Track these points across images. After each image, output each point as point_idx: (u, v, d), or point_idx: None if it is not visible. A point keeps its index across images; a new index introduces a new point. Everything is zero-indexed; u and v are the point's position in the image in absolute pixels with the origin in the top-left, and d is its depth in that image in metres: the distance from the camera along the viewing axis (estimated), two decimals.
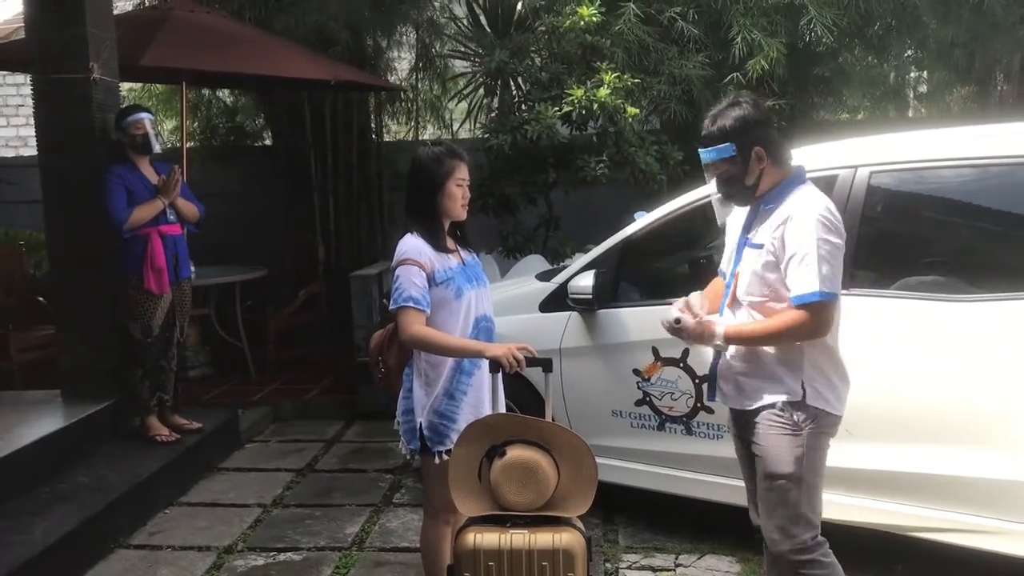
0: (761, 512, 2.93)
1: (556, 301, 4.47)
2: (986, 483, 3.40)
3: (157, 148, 5.18)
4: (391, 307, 3.08)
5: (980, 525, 3.42)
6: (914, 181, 3.76)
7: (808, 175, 3.92)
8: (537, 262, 6.55)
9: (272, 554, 4.22)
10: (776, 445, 2.83)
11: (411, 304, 3.03)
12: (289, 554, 4.22)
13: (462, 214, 3.21)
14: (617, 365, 4.25)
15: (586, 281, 4.22)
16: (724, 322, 2.89)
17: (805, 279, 2.69)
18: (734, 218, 3.02)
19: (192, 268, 6.81)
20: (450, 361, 3.13)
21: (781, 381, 2.82)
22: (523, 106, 6.96)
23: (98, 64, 5.13)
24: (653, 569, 3.94)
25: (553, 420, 3.07)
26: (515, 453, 2.85)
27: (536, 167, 6.79)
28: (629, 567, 3.98)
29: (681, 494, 4.15)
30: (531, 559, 2.75)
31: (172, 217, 5.15)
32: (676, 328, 2.87)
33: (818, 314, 2.70)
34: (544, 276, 4.92)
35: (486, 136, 6.58)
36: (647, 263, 4.58)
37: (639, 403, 4.19)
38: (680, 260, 4.94)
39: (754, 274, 2.83)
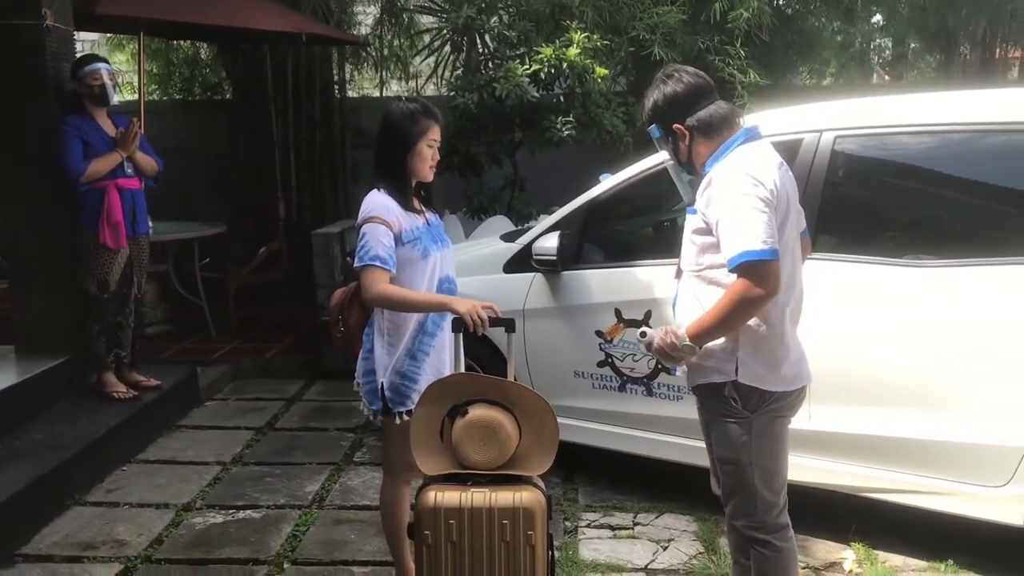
0: (720, 486, 2.90)
1: (520, 262, 4.45)
2: (933, 445, 3.46)
3: (115, 99, 5.05)
4: (355, 264, 3.04)
5: (928, 486, 3.50)
6: (878, 146, 3.78)
7: (772, 139, 3.95)
8: (502, 223, 6.52)
9: (231, 511, 4.20)
10: (723, 430, 2.76)
11: (377, 263, 2.97)
12: (248, 512, 4.20)
13: (429, 176, 3.16)
14: (580, 326, 4.25)
15: (551, 242, 4.20)
16: (682, 322, 2.77)
17: (732, 241, 2.54)
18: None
19: (150, 223, 6.75)
20: (412, 322, 3.11)
21: (714, 357, 2.71)
22: (490, 64, 6.88)
23: (51, 11, 4.98)
24: (612, 528, 3.98)
25: (515, 380, 3.06)
26: (477, 412, 2.84)
27: (502, 127, 6.72)
28: (588, 525, 4.01)
29: (641, 454, 4.18)
30: (491, 517, 2.75)
31: (130, 171, 5.04)
32: (645, 343, 2.79)
33: (758, 273, 2.49)
34: (509, 237, 4.90)
35: (452, 94, 6.49)
36: (612, 225, 4.58)
37: (601, 364, 4.20)
38: (645, 223, 4.94)
39: (690, 241, 2.76)
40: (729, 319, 2.59)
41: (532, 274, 4.39)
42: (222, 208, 7.63)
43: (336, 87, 8.56)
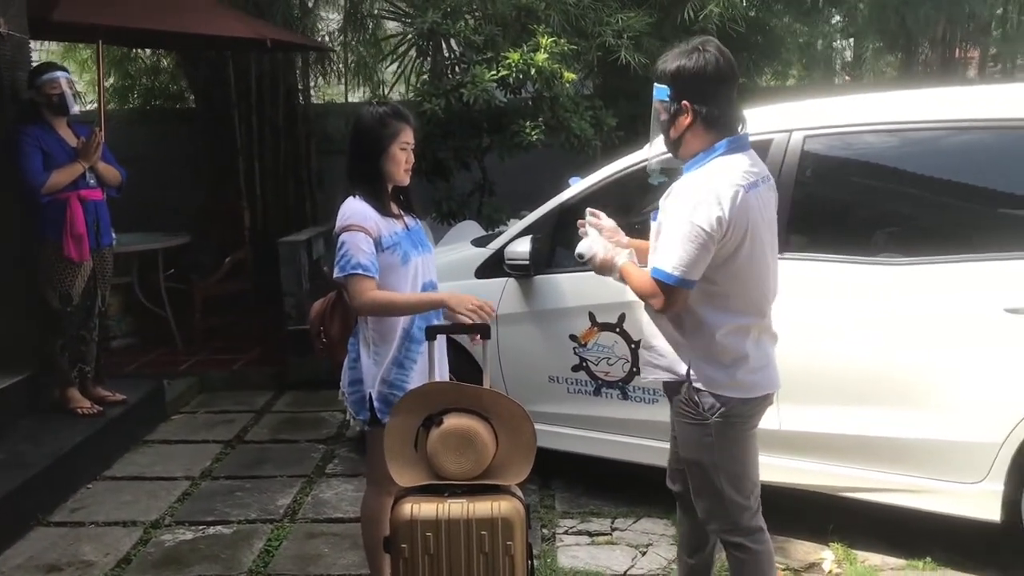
0: (691, 488, 2.84)
1: (492, 267, 4.41)
2: (909, 443, 3.46)
3: (75, 109, 4.94)
4: (337, 275, 2.96)
5: (905, 484, 3.50)
6: (848, 146, 3.78)
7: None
8: (471, 228, 6.46)
9: (201, 528, 4.11)
10: (686, 432, 2.74)
11: (360, 271, 2.91)
12: (219, 527, 4.11)
13: (404, 179, 3.12)
14: (554, 331, 4.21)
15: (522, 247, 4.16)
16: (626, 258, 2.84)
17: (663, 255, 2.57)
18: None
19: (114, 235, 6.63)
20: (398, 330, 3.05)
21: (667, 358, 2.74)
22: (456, 68, 6.83)
23: (5, 19, 4.87)
24: (590, 534, 3.94)
25: (491, 388, 3.02)
26: (452, 421, 2.79)
27: (469, 131, 6.66)
28: (566, 532, 3.97)
29: (617, 458, 4.15)
30: (469, 528, 2.70)
31: (92, 181, 4.94)
32: (587, 257, 2.87)
33: (664, 293, 2.59)
34: (480, 242, 4.86)
35: (419, 99, 6.43)
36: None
37: (576, 368, 4.17)
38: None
39: (653, 243, 2.73)
40: (636, 293, 2.73)
41: (504, 279, 4.35)
42: (186, 218, 7.51)
43: (300, 94, 8.47)
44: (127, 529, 4.11)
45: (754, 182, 2.63)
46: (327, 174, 8.21)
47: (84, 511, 4.31)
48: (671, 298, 2.59)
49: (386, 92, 8.61)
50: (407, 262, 3.06)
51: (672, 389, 2.79)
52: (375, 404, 3.05)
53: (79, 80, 8.71)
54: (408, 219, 3.17)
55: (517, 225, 4.48)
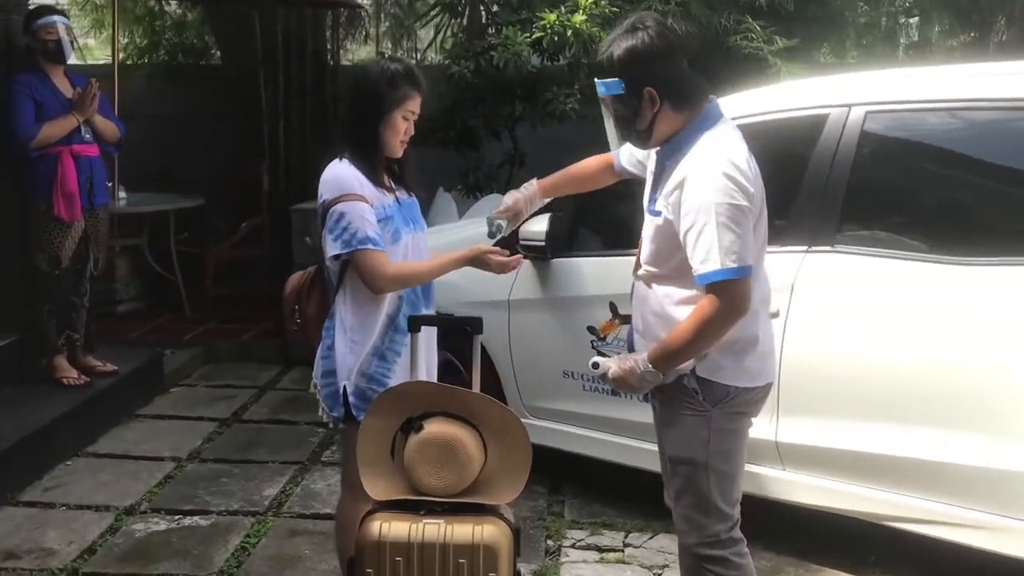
0: (670, 497, 2.56)
1: (507, 247, 3.97)
2: (971, 471, 2.98)
3: (72, 56, 4.61)
4: (341, 251, 2.60)
5: (968, 519, 3.02)
6: (917, 124, 3.30)
7: (793, 114, 3.51)
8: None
9: (177, 517, 3.78)
10: (679, 426, 2.44)
11: (370, 246, 2.57)
12: (196, 518, 3.78)
13: (398, 151, 2.73)
14: (571, 321, 3.79)
15: (539, 226, 3.74)
16: (639, 349, 2.47)
17: (705, 255, 2.23)
18: (651, 161, 2.53)
19: (124, 194, 6.34)
20: (382, 316, 2.68)
21: None
22: (490, 30, 6.40)
23: None
24: (599, 549, 3.54)
25: (481, 391, 2.62)
26: (434, 428, 2.40)
27: (501, 98, 6.25)
28: (573, 545, 3.58)
29: (635, 466, 3.72)
30: (446, 555, 2.31)
31: (87, 136, 4.61)
32: (599, 375, 2.47)
33: (728, 294, 2.24)
34: None
35: (448, 62, 6.03)
36: (610, 208, 4.08)
37: (594, 365, 3.74)
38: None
39: (652, 242, 2.41)
40: (696, 341, 2.30)
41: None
42: (205, 179, 7.19)
43: (329, 54, 8.08)
44: (98, 514, 3.79)
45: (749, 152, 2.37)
46: None
47: (57, 491, 4.01)
48: (738, 295, 2.25)
49: (420, 55, 8.19)
50: (397, 240, 2.69)
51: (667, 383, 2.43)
52: (350, 399, 2.68)
53: (95, 34, 8.43)
54: (400, 192, 2.78)
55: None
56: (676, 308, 2.37)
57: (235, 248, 6.66)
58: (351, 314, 2.69)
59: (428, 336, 2.78)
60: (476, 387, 2.55)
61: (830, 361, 3.21)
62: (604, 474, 3.92)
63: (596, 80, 2.40)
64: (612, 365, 2.41)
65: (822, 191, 3.30)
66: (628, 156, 2.72)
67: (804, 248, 3.28)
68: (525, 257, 3.81)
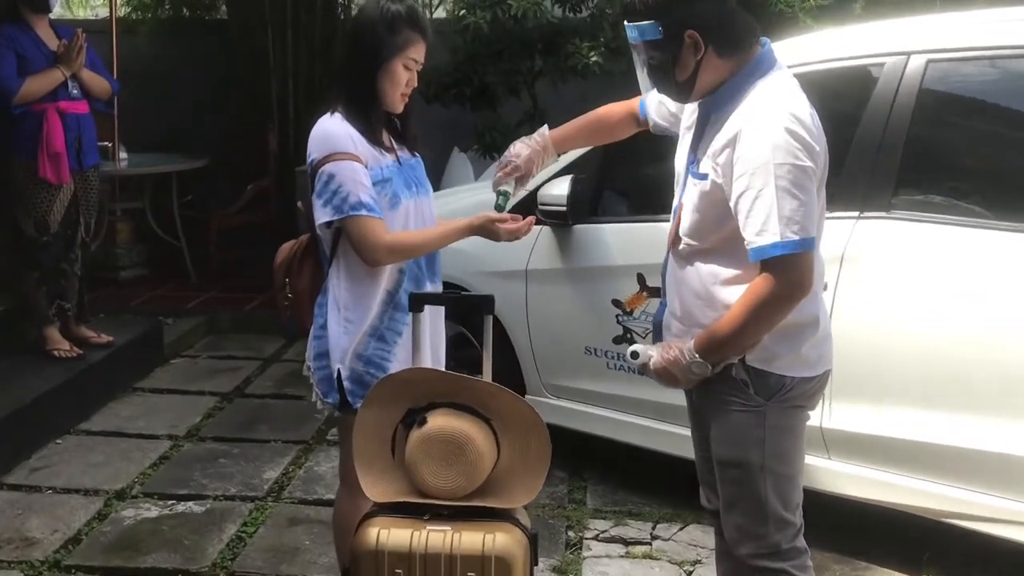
0: (712, 501, 2.26)
1: (524, 212, 3.64)
2: None
3: (56, 6, 4.29)
4: (333, 217, 2.30)
5: None
6: (985, 75, 2.94)
7: (842, 64, 3.15)
8: None
9: (170, 503, 3.53)
10: (728, 423, 2.11)
11: (364, 212, 2.27)
12: (190, 504, 3.52)
13: (398, 105, 2.41)
14: (594, 293, 3.48)
15: (559, 189, 3.41)
16: (675, 333, 2.16)
17: (762, 225, 1.91)
18: (688, 113, 2.20)
19: (125, 155, 6.05)
20: (379, 292, 2.39)
21: None
22: None
23: None
24: (625, 542, 3.26)
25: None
26: (439, 422, 2.10)
27: (520, 52, 5.88)
28: (596, 537, 3.29)
29: (663, 451, 3.43)
30: (452, 566, 2.03)
31: (75, 92, 4.31)
32: (638, 365, 2.13)
33: (788, 271, 1.91)
34: None
35: (462, 12, 5.66)
36: (638, 169, 3.74)
37: (618, 340, 3.43)
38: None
39: (695, 211, 2.07)
40: (750, 328, 1.98)
41: (539, 226, 3.60)
42: (210, 140, 6.88)
43: (340, 7, 7.70)
44: (87, 499, 3.54)
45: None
46: None
47: (45, 472, 3.76)
48: (800, 273, 1.93)
49: (433, 7, 7.81)
50: (396, 205, 2.38)
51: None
52: (345, 385, 2.39)
53: None
54: (401, 152, 2.46)
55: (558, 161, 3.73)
56: (724, 289, 2.04)
57: (240, 212, 6.37)
58: (345, 290, 2.39)
59: (434, 314, 2.48)
60: (488, 373, 2.25)
61: (884, 340, 2.89)
62: (629, 457, 3.62)
63: (627, 23, 2.05)
64: (653, 354, 2.09)
65: (876, 150, 2.96)
66: (656, 106, 2.38)
67: (855, 214, 2.94)
68: (545, 223, 3.53)
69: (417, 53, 2.38)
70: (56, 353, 4.36)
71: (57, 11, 5.40)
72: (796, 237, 1.90)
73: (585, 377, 3.56)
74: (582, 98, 5.91)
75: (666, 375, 2.08)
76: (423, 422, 2.11)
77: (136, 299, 5.89)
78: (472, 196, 4.20)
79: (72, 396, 4.23)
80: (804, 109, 1.97)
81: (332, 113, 2.38)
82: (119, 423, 4.27)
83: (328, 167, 2.30)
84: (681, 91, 2.08)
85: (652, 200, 3.64)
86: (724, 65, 2.02)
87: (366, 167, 2.33)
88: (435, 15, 7.86)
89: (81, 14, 8.14)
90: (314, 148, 2.35)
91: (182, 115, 6.97)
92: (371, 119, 2.38)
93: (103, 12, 8.23)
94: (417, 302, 2.26)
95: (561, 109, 6.01)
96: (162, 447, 4.02)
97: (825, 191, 2.07)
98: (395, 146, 2.47)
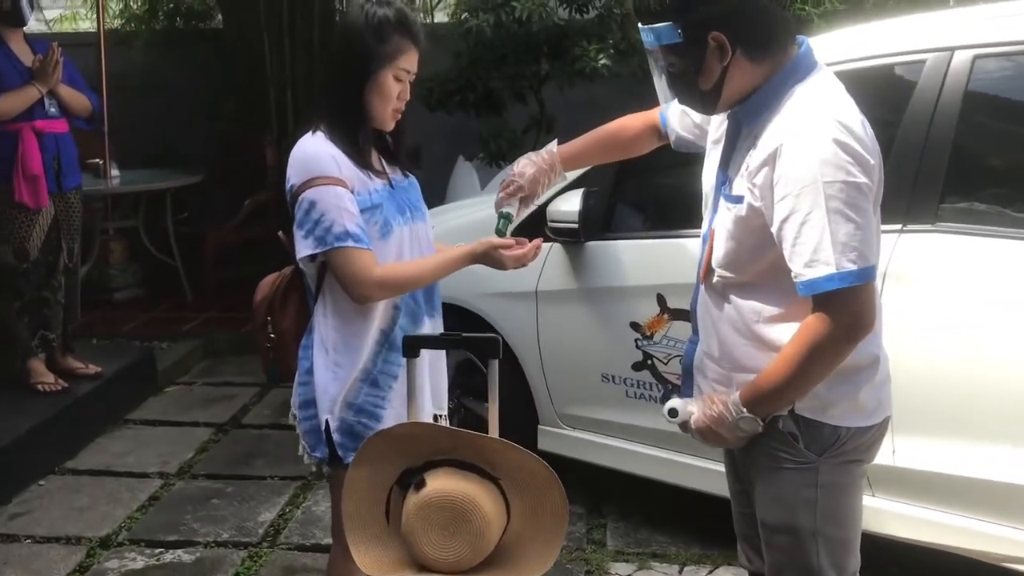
0: (766, 567, 1.95)
1: (534, 227, 3.36)
2: None
3: (31, 19, 4.05)
4: (316, 250, 2.05)
5: None
6: None
7: (879, 61, 2.88)
8: None
9: (158, 551, 3.27)
10: (775, 483, 1.83)
11: (351, 243, 2.01)
12: (179, 552, 3.26)
13: (389, 123, 2.15)
14: (610, 316, 3.21)
15: (570, 205, 3.14)
16: (708, 375, 1.89)
17: (812, 254, 1.64)
18: (716, 125, 1.93)
19: (117, 172, 5.83)
20: (372, 331, 2.12)
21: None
22: None
23: None
24: None
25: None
26: (439, 484, 1.84)
27: (525, 56, 5.64)
28: None
29: (689, 487, 3.16)
30: None
31: (53, 110, 4.06)
32: (678, 423, 1.87)
33: (846, 307, 1.65)
34: None
35: (464, 16, 5.42)
36: (656, 180, 3.46)
37: (638, 367, 3.16)
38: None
39: (730, 239, 1.78)
40: (805, 374, 1.70)
41: (549, 244, 3.33)
42: (205, 154, 6.64)
43: (338, 14, 7.46)
44: (68, 549, 3.29)
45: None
46: None
47: (24, 519, 3.52)
48: (860, 308, 1.67)
49: (433, 5, 7.57)
50: (388, 233, 2.12)
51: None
52: (335, 437, 2.13)
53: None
54: (394, 173, 2.21)
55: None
56: (770, 328, 1.77)
57: (238, 228, 6.12)
58: (333, 329, 2.13)
59: (434, 354, 2.21)
60: (494, 425, 1.98)
61: (932, 367, 2.61)
62: (652, 492, 3.35)
63: (641, 26, 1.77)
64: (694, 411, 1.82)
65: (919, 156, 2.67)
66: (679, 116, 2.11)
67: (898, 227, 2.66)
68: (555, 240, 3.27)
69: (409, 63, 2.12)
70: (40, 387, 4.11)
71: (33, 24, 5.18)
72: (854, 267, 1.63)
73: (602, 406, 3.29)
74: (591, 102, 5.70)
75: (710, 434, 1.81)
76: (421, 484, 1.84)
77: (130, 323, 5.65)
78: (479, 211, 3.92)
79: (57, 432, 3.99)
80: (854, 117, 1.70)
81: (314, 132, 2.13)
82: (108, 460, 4.02)
83: (309, 193, 2.04)
84: (706, 102, 1.80)
85: (672, 214, 3.38)
86: (756, 70, 1.74)
87: (352, 192, 2.07)
88: (436, 19, 7.62)
89: (68, 27, 7.92)
90: (293, 172, 2.10)
91: (177, 128, 6.75)
92: (358, 138, 2.12)
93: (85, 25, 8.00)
94: (411, 346, 1.99)
95: (569, 114, 5.82)
96: (152, 486, 3.77)
97: (880, 210, 1.80)
98: (387, 168, 2.22)
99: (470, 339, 2.08)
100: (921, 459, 2.64)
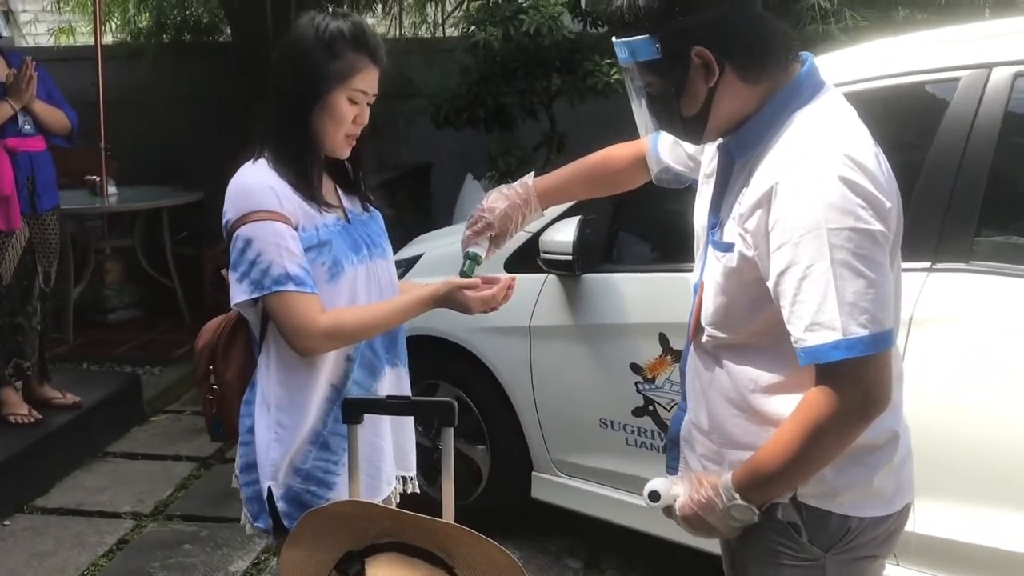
0: None
1: (527, 258, 3.12)
2: None
3: (5, 33, 3.86)
4: (249, 295, 1.82)
5: None
6: None
7: (905, 80, 2.59)
8: None
9: None
10: None
11: (292, 287, 1.77)
12: None
13: (342, 149, 1.90)
14: (609, 356, 2.95)
15: (564, 235, 2.88)
16: (697, 448, 1.64)
17: (814, 316, 1.37)
18: (709, 157, 1.65)
19: (114, 189, 5.68)
20: (320, 385, 1.87)
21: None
22: None
23: None
24: None
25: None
26: (381, 573, 1.57)
27: (535, 71, 5.41)
28: None
29: (696, 547, 2.87)
30: None
31: (28, 127, 3.86)
32: (660, 507, 1.60)
33: (856, 380, 1.37)
34: None
35: (471, 29, 5.21)
36: (659, 208, 3.18)
37: (638, 412, 2.89)
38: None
39: (721, 294, 1.51)
40: (808, 456, 1.43)
41: (543, 276, 3.08)
42: (206, 171, 6.43)
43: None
44: None
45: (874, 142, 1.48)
46: (381, 120, 7.01)
47: None
48: (872, 382, 1.38)
49: (442, 19, 7.35)
50: (338, 275, 1.86)
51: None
52: (279, 506, 1.87)
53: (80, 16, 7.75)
54: (351, 206, 1.96)
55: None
56: (767, 399, 1.50)
57: None
58: (277, 384, 1.87)
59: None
60: (449, 504, 1.71)
61: (962, 424, 2.32)
62: (655, 546, 3.06)
63: (615, 40, 1.52)
64: (679, 494, 1.55)
65: (951, 185, 2.39)
66: (670, 146, 1.83)
67: (926, 266, 2.38)
68: (549, 272, 3.01)
69: (366, 83, 1.86)
70: (12, 419, 3.90)
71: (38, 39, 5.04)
72: (864, 332, 1.35)
73: (601, 454, 3.03)
74: (603, 119, 5.43)
75: (698, 522, 1.53)
76: (359, 573, 1.58)
77: (123, 345, 5.45)
78: (456, 240, 3.67)
79: (28, 468, 3.78)
80: (866, 149, 1.43)
81: (255, 160, 1.88)
82: (80, 497, 3.80)
83: (244, 230, 1.80)
84: (690, 129, 1.53)
85: (676, 244, 3.09)
86: (749, 92, 1.48)
87: (297, 228, 1.82)
88: (447, 33, 7.41)
89: (65, 40, 7.79)
90: (229, 206, 1.85)
91: (174, 145, 6.59)
92: (305, 167, 1.87)
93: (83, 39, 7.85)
94: (353, 410, 1.73)
95: (581, 130, 5.57)
96: (122, 528, 3.54)
97: (900, 259, 1.52)
98: (344, 200, 1.97)
99: (421, 403, 1.82)
100: (948, 527, 2.34)
